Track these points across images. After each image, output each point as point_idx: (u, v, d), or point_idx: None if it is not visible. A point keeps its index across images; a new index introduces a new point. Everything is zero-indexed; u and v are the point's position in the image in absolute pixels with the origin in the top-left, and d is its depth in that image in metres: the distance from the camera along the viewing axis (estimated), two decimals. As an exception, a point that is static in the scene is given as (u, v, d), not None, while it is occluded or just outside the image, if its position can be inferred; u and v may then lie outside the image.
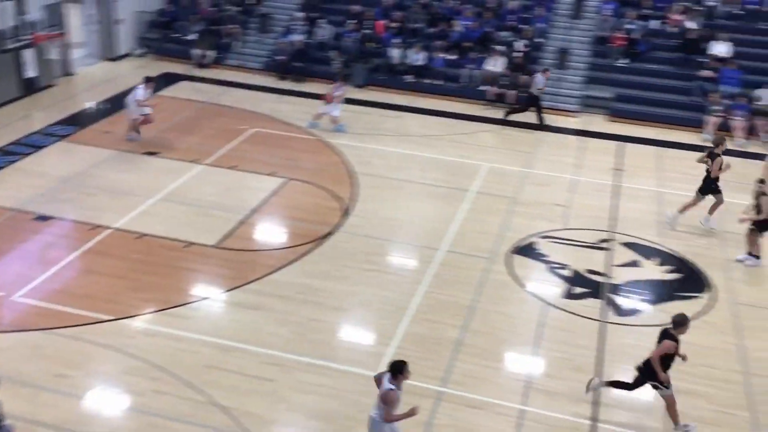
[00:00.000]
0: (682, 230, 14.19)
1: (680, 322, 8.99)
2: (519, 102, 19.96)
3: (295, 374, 9.85)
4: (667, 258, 13.26)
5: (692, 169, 16.70)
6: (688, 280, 12.67)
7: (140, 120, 16.78)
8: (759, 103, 19.24)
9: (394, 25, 22.90)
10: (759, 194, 12.96)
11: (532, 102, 19.44)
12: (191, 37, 23.16)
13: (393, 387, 7.76)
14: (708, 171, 14.00)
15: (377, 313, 11.32)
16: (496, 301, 11.77)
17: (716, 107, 19.17)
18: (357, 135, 17.73)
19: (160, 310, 10.99)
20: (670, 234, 14.05)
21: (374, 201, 14.80)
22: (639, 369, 9.24)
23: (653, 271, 12.87)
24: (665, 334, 8.99)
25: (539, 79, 19.30)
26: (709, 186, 14.04)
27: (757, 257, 13.13)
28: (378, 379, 8.03)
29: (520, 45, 21.61)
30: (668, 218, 14.33)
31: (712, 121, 19.07)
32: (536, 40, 22.19)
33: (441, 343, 10.62)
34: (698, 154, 14.87)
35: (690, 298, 12.10)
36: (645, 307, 11.88)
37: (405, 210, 14.63)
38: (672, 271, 12.87)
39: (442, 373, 9.99)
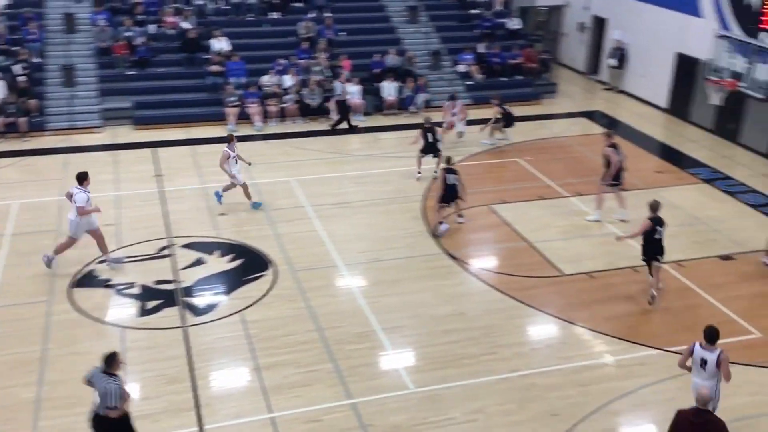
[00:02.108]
0: (231, 217, 14.92)
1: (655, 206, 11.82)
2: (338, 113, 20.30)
3: None
4: (227, 248, 13.79)
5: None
6: (251, 262, 13.39)
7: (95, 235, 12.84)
8: (266, 87, 21.06)
9: None
10: None
11: (343, 108, 20.18)
12: None
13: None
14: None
15: (-73, 405, 9.52)
16: (68, 342, 10.87)
17: (231, 98, 20.40)
18: None
19: None
20: (222, 225, 14.64)
21: None
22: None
23: (218, 264, 13.28)
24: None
25: (337, 85, 20.43)
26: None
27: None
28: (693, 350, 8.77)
29: (18, 68, 19.91)
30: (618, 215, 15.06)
31: (231, 111, 20.26)
32: (35, 60, 20.69)
33: (17, 409, 9.44)
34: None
35: (258, 278, 12.82)
36: (220, 299, 12.22)
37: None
38: (234, 259, 13.45)
39: (28, 441, 8.91)
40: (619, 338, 11.32)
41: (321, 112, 21.08)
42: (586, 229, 14.80)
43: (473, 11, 25.45)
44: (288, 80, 21.22)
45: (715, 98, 16.23)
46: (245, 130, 20.07)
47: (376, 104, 21.75)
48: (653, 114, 22.19)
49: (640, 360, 10.76)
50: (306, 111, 21.04)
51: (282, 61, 21.81)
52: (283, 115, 20.85)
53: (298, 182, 16.79)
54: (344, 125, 20.39)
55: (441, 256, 13.72)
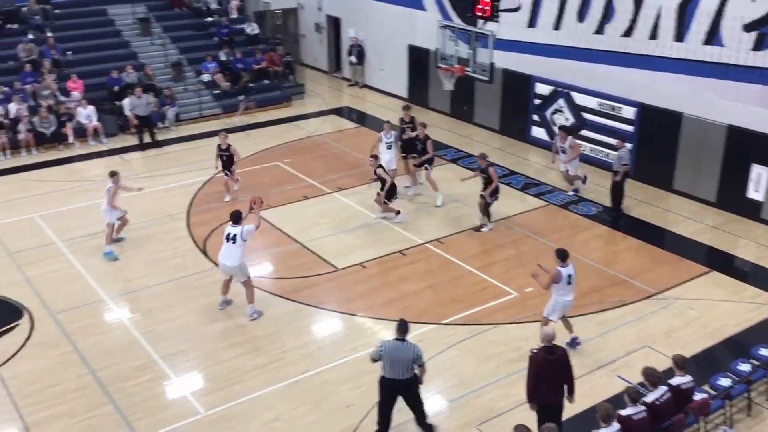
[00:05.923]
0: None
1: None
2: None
3: None
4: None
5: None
6: (1, 312, 12.02)
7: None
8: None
9: None
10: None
11: (144, 122, 19.52)
12: None
13: None
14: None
15: None
16: None
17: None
18: None
19: None
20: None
21: None
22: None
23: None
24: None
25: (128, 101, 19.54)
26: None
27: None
28: None
29: None
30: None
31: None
32: None
33: None
34: None
35: (10, 330, 11.54)
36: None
37: None
38: (-21, 313, 12.00)
39: None
40: (397, 321, 11.75)
41: (58, 138, 19.48)
42: (352, 222, 15.24)
43: (209, 19, 24.98)
44: (13, 108, 19.31)
45: (448, 84, 17.42)
46: (-29, 169, 18.00)
47: (120, 123, 20.56)
48: (396, 104, 23.29)
49: (420, 337, 11.30)
50: (42, 140, 19.32)
51: (4, 89, 19.80)
52: (16, 146, 18.97)
53: (43, 218, 15.38)
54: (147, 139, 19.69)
55: (212, 271, 13.34)
